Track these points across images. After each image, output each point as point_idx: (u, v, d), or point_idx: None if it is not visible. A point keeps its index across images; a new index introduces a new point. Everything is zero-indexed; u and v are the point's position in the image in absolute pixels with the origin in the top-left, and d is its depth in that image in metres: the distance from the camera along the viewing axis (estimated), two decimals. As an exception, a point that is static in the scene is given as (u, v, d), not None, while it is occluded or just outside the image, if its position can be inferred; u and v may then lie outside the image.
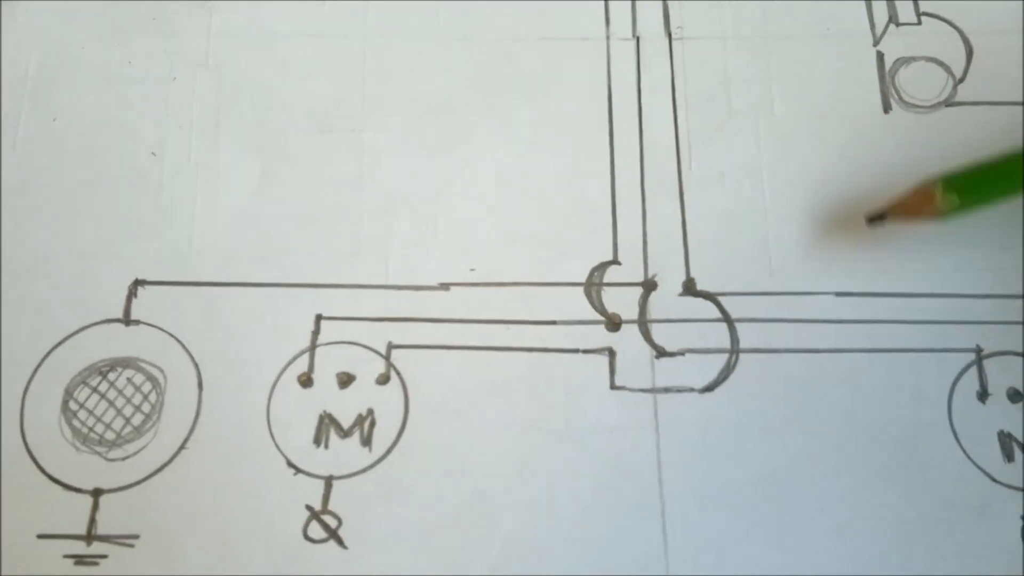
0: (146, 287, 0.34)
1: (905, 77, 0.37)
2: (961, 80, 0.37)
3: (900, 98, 0.37)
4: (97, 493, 0.32)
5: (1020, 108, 0.36)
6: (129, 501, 0.32)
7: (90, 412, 0.33)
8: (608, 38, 0.38)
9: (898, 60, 0.37)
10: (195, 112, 0.37)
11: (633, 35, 0.38)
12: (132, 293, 0.34)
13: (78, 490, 0.32)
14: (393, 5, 0.38)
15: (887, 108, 0.37)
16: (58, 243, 0.35)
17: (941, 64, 0.37)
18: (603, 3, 0.38)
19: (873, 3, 0.38)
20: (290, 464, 0.32)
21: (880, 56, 0.37)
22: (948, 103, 0.37)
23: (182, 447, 0.32)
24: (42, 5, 0.38)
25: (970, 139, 0.36)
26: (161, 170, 0.36)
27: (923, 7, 0.38)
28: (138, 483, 0.32)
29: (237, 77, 0.37)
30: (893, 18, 0.38)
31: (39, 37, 0.38)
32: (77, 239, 0.35)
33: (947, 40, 0.38)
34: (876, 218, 0.34)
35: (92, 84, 0.37)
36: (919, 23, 0.38)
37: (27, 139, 0.36)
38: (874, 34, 0.38)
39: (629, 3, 0.38)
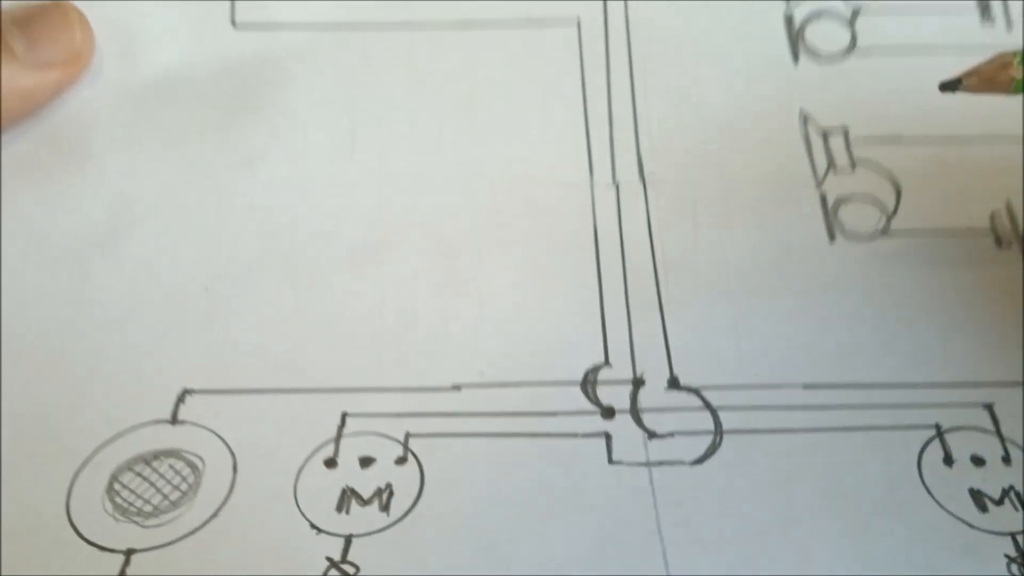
0: (193, 395, 0.39)
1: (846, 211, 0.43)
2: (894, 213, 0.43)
3: (844, 229, 0.43)
4: (129, 552, 0.34)
5: None
6: (160, 561, 0.34)
7: (132, 491, 0.36)
8: (593, 185, 0.44)
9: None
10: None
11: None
12: (180, 400, 0.38)
13: (111, 551, 0.34)
14: None
15: (832, 237, 0.43)
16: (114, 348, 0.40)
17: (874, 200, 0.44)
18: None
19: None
20: (313, 526, 0.35)
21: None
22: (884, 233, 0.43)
23: (214, 516, 0.35)
24: None
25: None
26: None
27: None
28: (169, 544, 0.34)
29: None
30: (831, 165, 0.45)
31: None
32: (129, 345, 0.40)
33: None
34: (949, 85, 0.34)
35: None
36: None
37: None
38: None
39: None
